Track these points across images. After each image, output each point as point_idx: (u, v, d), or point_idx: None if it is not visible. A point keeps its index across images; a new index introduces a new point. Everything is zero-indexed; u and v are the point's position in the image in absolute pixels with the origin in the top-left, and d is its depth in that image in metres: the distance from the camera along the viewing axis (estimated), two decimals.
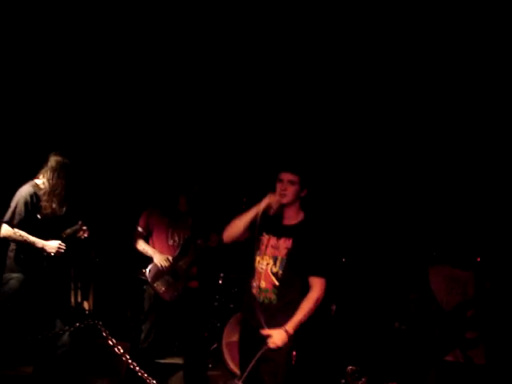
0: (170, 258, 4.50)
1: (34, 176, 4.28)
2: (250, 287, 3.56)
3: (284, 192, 3.45)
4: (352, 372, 5.20)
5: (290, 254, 3.41)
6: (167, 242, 4.62)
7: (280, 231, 3.50)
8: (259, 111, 6.34)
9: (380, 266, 6.10)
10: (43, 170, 4.25)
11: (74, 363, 4.26)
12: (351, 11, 5.02)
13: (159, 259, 4.48)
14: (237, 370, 5.35)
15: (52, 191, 4.19)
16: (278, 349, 3.32)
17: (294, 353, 4.97)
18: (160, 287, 4.45)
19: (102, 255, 5.85)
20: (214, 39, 5.47)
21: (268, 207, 3.47)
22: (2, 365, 4.19)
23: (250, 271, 3.57)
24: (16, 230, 4.05)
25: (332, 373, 5.29)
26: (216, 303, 6.05)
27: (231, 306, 5.99)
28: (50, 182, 4.20)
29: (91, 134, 6.01)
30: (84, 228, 4.31)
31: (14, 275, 4.10)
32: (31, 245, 4.09)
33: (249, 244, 3.65)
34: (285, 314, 3.38)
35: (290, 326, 3.33)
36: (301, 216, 3.55)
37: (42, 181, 4.23)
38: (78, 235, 4.32)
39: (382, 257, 6.15)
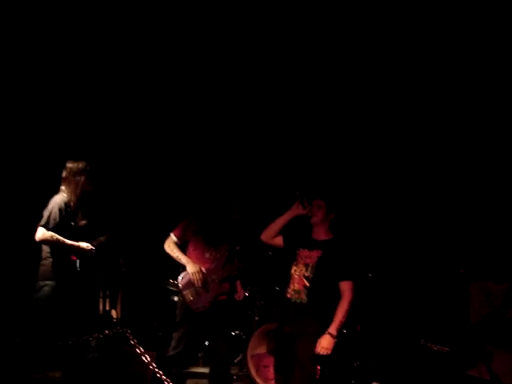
0: (203, 269, 4.49)
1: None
2: (285, 294, 4.11)
3: (314, 213, 4.09)
4: None
5: (319, 261, 4.00)
6: (204, 254, 4.59)
7: (312, 245, 4.10)
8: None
9: (406, 281, 6.05)
10: (66, 179, 4.37)
11: (101, 370, 4.33)
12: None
13: (192, 269, 4.47)
14: (261, 382, 5.38)
15: (74, 200, 4.31)
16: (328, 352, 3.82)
17: (318, 367, 4.95)
18: (189, 296, 4.46)
19: (131, 265, 5.92)
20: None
21: (296, 216, 4.12)
22: (32, 369, 4.26)
23: (286, 281, 4.12)
24: (53, 234, 4.15)
25: None
26: (242, 315, 6.07)
27: (257, 318, 6.01)
28: (69, 191, 4.32)
29: (126, 143, 6.12)
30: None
31: (48, 282, 4.20)
32: (66, 247, 4.20)
33: (278, 259, 4.34)
34: (314, 313, 3.92)
35: (333, 328, 3.84)
36: (330, 235, 4.15)
37: (65, 189, 4.35)
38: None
39: (408, 273, 6.10)
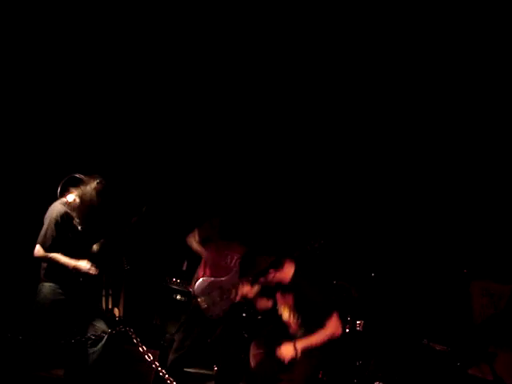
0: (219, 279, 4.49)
1: (65, 192, 4.33)
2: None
3: (268, 282, 4.04)
4: None
5: (296, 306, 4.01)
6: (220, 262, 4.60)
7: (283, 290, 4.09)
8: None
9: (409, 281, 6.05)
10: (79, 189, 4.30)
11: (104, 368, 4.33)
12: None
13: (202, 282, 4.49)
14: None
15: (83, 209, 4.27)
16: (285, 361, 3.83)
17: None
18: (203, 303, 4.46)
19: (133, 263, 5.92)
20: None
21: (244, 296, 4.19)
22: (35, 367, 4.27)
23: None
24: (49, 253, 4.14)
25: None
26: (244, 314, 6.07)
27: (259, 317, 6.01)
28: (83, 201, 4.25)
29: (132, 140, 6.13)
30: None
31: (47, 284, 4.21)
32: (63, 266, 4.19)
33: None
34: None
35: (300, 342, 3.85)
36: (290, 272, 4.04)
37: (73, 197, 4.28)
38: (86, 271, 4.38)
39: (411, 272, 6.10)
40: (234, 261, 4.57)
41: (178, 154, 6.56)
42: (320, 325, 3.91)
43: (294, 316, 4.04)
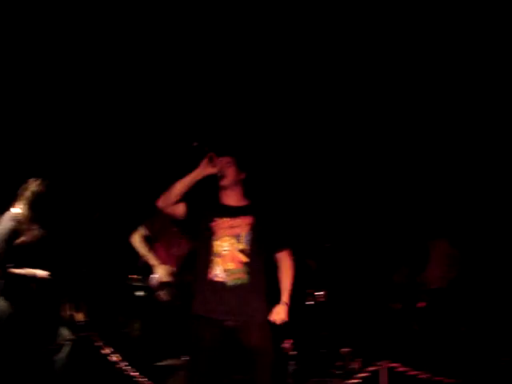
0: (174, 269, 4.47)
1: (11, 205, 4.22)
2: (205, 279, 3.31)
3: (223, 173, 3.42)
4: (347, 354, 5.28)
5: (254, 229, 3.35)
6: (171, 250, 4.57)
7: (233, 212, 3.42)
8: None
9: (365, 245, 6.16)
10: (21, 199, 4.21)
11: (71, 375, 4.30)
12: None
13: (162, 274, 4.45)
14: None
15: (29, 221, 4.18)
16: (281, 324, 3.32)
17: (291, 341, 5.00)
18: (163, 297, 4.47)
19: (90, 266, 5.86)
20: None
21: (203, 176, 3.41)
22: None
23: (205, 262, 3.33)
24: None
25: (327, 356, 5.37)
26: None
27: None
28: (27, 212, 4.16)
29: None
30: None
31: (2, 298, 4.15)
32: (20, 277, 4.13)
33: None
34: (258, 294, 3.34)
35: (285, 297, 3.35)
36: (247, 200, 3.52)
37: (18, 209, 4.19)
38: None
39: (367, 235, 6.20)
40: (185, 248, 4.57)
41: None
42: (265, 259, 3.38)
43: (243, 243, 3.31)
